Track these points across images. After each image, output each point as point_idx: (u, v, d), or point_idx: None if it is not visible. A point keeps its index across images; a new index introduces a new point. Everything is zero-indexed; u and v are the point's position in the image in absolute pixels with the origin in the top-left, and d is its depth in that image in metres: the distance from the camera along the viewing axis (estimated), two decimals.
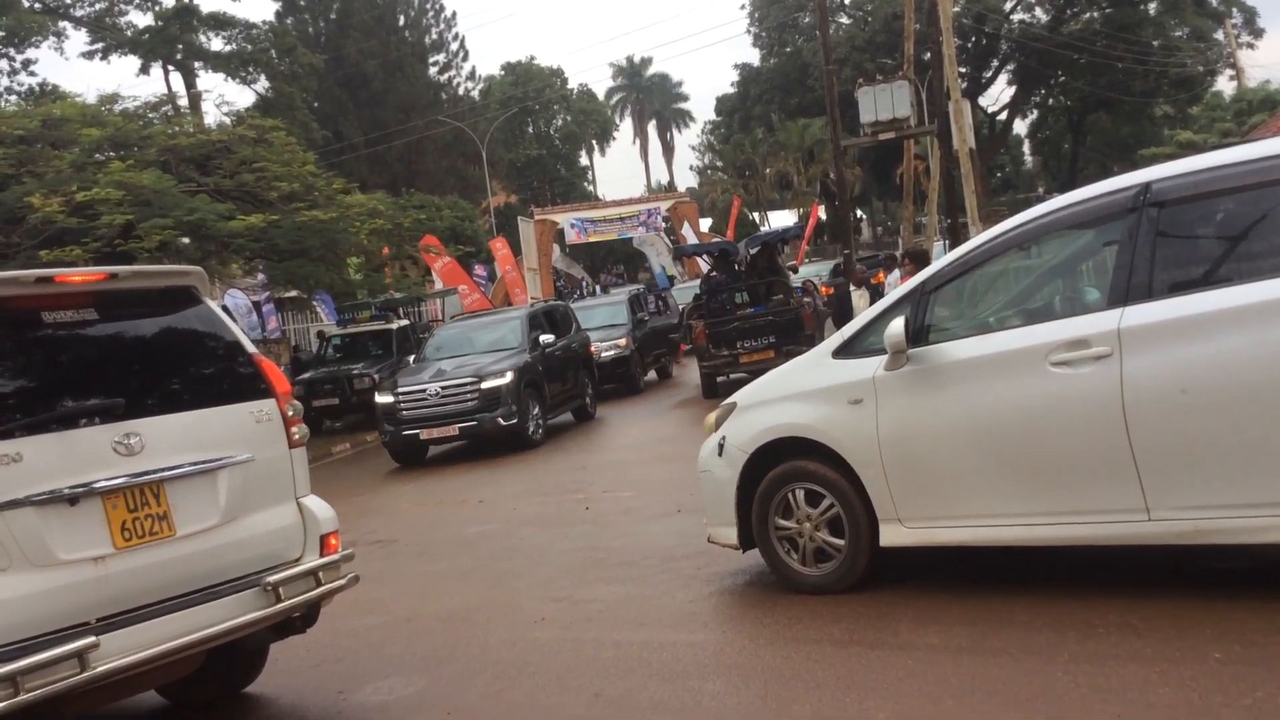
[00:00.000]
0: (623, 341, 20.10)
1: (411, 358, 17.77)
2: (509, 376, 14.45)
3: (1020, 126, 65.24)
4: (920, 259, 12.72)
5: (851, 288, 16.89)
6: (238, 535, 4.65)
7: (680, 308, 27.43)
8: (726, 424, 6.29)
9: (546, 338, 15.92)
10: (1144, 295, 4.80)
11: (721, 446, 6.20)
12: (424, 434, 14.62)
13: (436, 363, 15.69)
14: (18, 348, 4.37)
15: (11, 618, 3.90)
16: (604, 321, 20.87)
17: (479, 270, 34.38)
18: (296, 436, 5.04)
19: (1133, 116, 56.86)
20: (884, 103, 21.60)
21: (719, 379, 17.29)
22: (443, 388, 14.58)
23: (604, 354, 19.29)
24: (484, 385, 14.40)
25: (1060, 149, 66.02)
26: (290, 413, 5.02)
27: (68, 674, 3.87)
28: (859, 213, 60.79)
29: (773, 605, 5.81)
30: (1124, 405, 4.72)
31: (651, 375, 21.95)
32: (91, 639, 3.95)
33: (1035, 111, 62.70)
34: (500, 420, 14.30)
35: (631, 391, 19.86)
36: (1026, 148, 74.03)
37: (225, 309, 20.42)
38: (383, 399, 15.09)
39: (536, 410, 15.02)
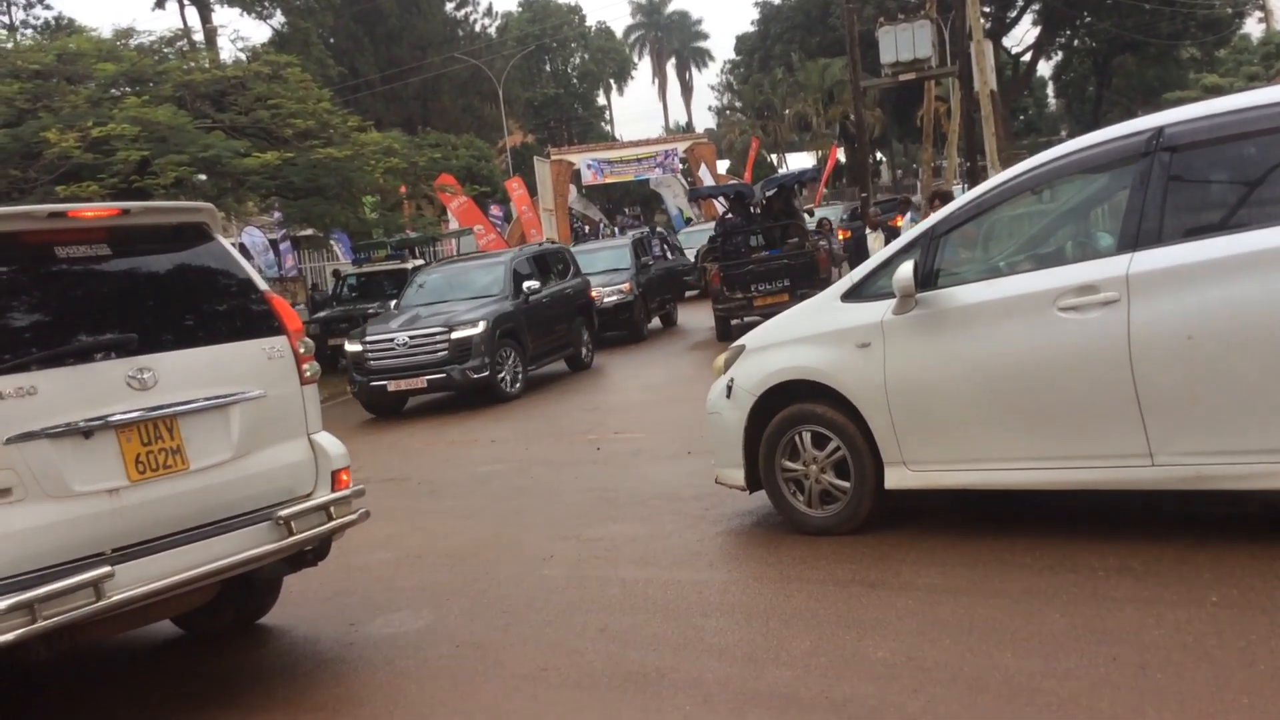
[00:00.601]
0: (625, 286, 19.39)
1: (392, 303, 16.95)
2: (480, 326, 13.73)
3: (1044, 68, 64.27)
4: (948, 200, 12.65)
5: (867, 231, 16.82)
6: (250, 470, 4.72)
7: (695, 250, 27.26)
8: (735, 366, 6.32)
9: (531, 284, 15.05)
10: (1154, 240, 4.79)
11: (730, 389, 6.24)
12: (391, 385, 13.89)
13: (414, 309, 14.95)
14: (32, 282, 4.42)
15: (28, 547, 3.98)
16: (607, 266, 20.21)
17: (495, 210, 34.31)
18: (308, 373, 5.09)
19: (1159, 59, 55.98)
20: (905, 43, 21.36)
21: (733, 322, 17.30)
22: (410, 337, 13.86)
23: (606, 299, 18.73)
24: (454, 335, 13.67)
25: (1085, 92, 65.10)
26: (301, 349, 5.07)
27: (83, 602, 3.96)
28: (878, 155, 60.28)
29: (778, 545, 5.88)
30: (1130, 351, 4.73)
31: (655, 323, 21.22)
32: (106, 569, 4.03)
33: (1060, 53, 61.71)
34: (470, 373, 13.57)
35: (635, 339, 19.32)
36: (1050, 90, 73.01)
37: (241, 247, 20.37)
38: (351, 347, 14.34)
39: (514, 361, 14.27)
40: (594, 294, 17.77)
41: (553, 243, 23.01)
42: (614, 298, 19.08)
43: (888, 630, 4.46)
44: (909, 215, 16.08)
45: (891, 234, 17.44)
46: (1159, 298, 4.71)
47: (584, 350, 16.56)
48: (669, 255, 22.66)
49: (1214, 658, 3.78)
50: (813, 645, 4.42)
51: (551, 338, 15.60)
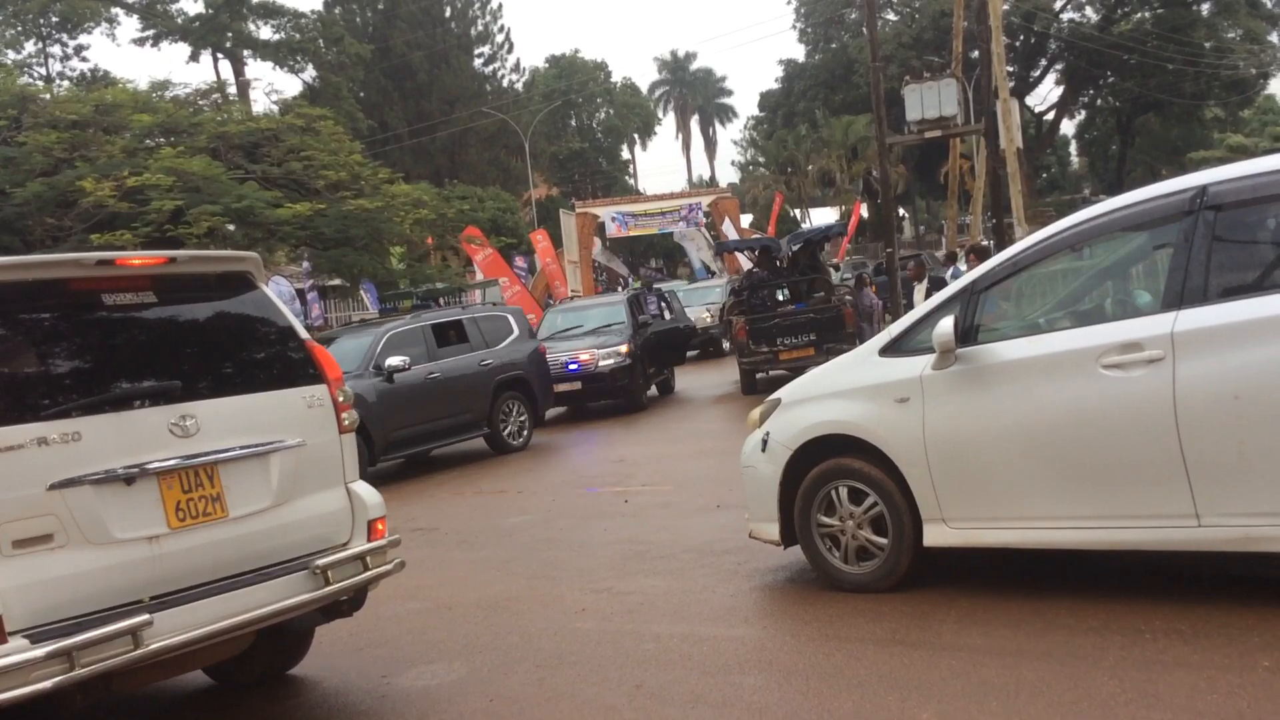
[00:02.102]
0: (624, 349, 16.97)
1: None
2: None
3: (1068, 127, 64.68)
4: (983, 254, 12.65)
5: (915, 284, 16.77)
6: (289, 518, 4.71)
7: (710, 307, 25.93)
8: (770, 420, 6.29)
9: (396, 361, 12.84)
10: (1198, 299, 4.76)
11: (765, 442, 6.20)
12: None
13: None
14: (77, 329, 4.45)
15: (68, 593, 3.97)
16: (599, 324, 18.19)
17: (520, 262, 34.51)
18: (346, 422, 5.10)
19: (1182, 119, 56.14)
20: (930, 100, 21.50)
21: (758, 375, 17.28)
22: None
23: (601, 363, 16.75)
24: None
25: (1108, 150, 65.30)
26: (341, 398, 5.08)
27: (121, 650, 3.94)
28: (901, 211, 60.39)
29: (814, 602, 5.81)
30: (1176, 409, 4.68)
31: (652, 390, 18.86)
32: (145, 617, 4.02)
33: (1083, 112, 62.05)
34: None
35: (633, 408, 17.11)
36: (1073, 148, 73.33)
37: None
38: None
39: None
40: (587, 357, 16.70)
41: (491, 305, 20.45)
42: (610, 361, 16.84)
43: (932, 692, 4.38)
44: (952, 269, 16.04)
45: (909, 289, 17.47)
46: (1205, 356, 4.66)
47: (512, 426, 14.50)
48: (666, 314, 20.23)
49: None
50: (855, 707, 4.34)
51: (435, 419, 13.54)
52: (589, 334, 17.77)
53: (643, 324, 18.12)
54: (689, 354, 22.37)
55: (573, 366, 16.77)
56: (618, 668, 5.19)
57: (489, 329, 14.99)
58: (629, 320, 17.82)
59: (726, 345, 25.34)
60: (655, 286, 24.26)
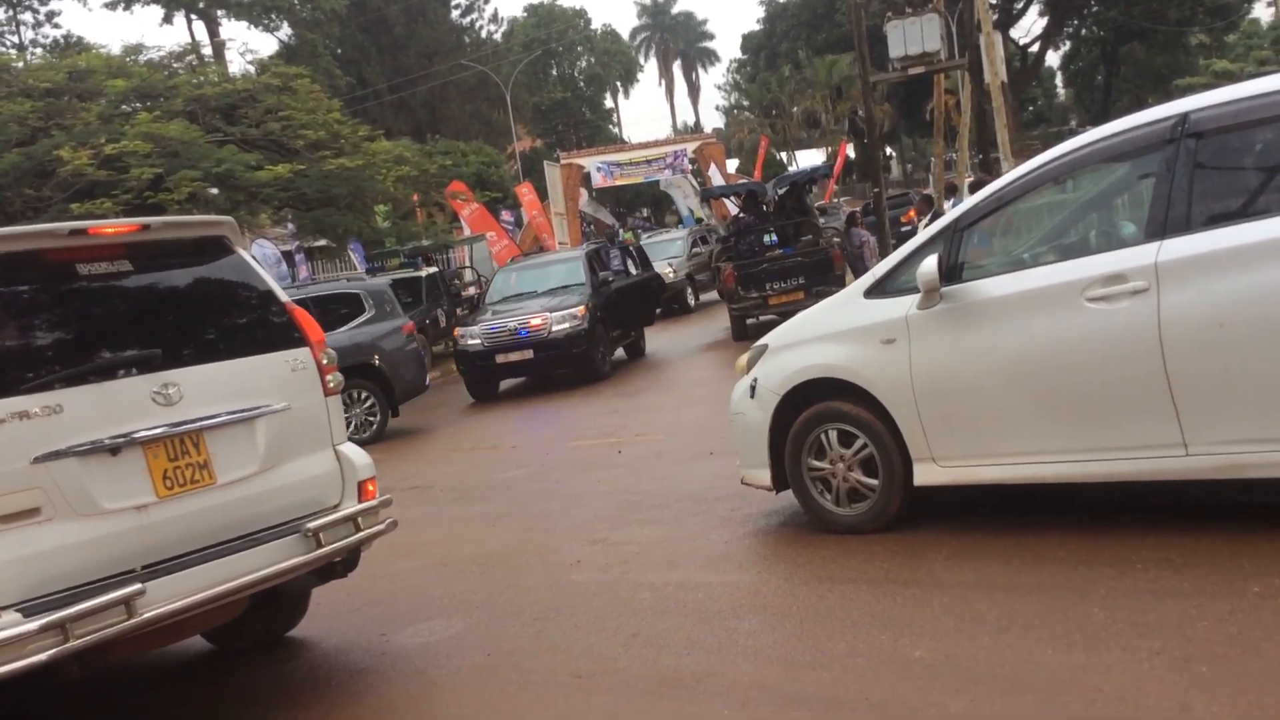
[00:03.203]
0: (579, 310, 15.33)
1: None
2: None
3: (1052, 58, 64.13)
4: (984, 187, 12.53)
5: (919, 220, 16.66)
6: (277, 482, 4.70)
7: (672, 261, 24.59)
8: (758, 366, 6.27)
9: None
10: (1182, 228, 4.73)
11: (753, 389, 6.19)
12: None
13: None
14: (54, 300, 4.41)
15: (58, 566, 3.97)
16: (556, 284, 16.48)
17: (506, 216, 34.32)
18: (331, 384, 5.07)
19: (1167, 46, 55.74)
20: (913, 36, 21.23)
21: (748, 321, 17.25)
22: None
23: (555, 328, 15.13)
24: None
25: (1094, 81, 64.88)
26: (324, 361, 5.06)
27: (115, 620, 3.94)
28: (888, 150, 60.10)
29: (806, 545, 5.84)
30: (1161, 340, 4.67)
31: (620, 353, 17.38)
32: (137, 586, 4.01)
33: (1068, 43, 61.56)
34: None
35: (592, 377, 15.36)
36: (1059, 80, 72.79)
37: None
38: None
39: None
40: (539, 322, 15.19)
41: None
42: (564, 325, 15.17)
43: (924, 629, 4.41)
44: (952, 201, 15.94)
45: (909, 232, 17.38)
46: (1189, 285, 4.65)
47: (356, 419, 12.93)
48: (633, 269, 18.59)
49: (1260, 649, 3.72)
50: (849, 646, 4.37)
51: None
52: (544, 295, 16.18)
53: (603, 282, 16.58)
54: (663, 311, 20.99)
55: (524, 333, 15.21)
56: (614, 617, 5.22)
57: (336, 309, 13.36)
58: (588, 278, 16.24)
59: (692, 301, 25.10)
60: (618, 239, 23.26)
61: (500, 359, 15.23)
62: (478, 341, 15.31)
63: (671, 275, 24.18)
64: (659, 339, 19.54)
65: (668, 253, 26.18)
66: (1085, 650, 3.94)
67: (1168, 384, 4.69)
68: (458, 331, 16.07)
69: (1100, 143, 5.25)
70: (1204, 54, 52.49)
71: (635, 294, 17.73)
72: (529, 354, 15.21)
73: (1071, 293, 4.93)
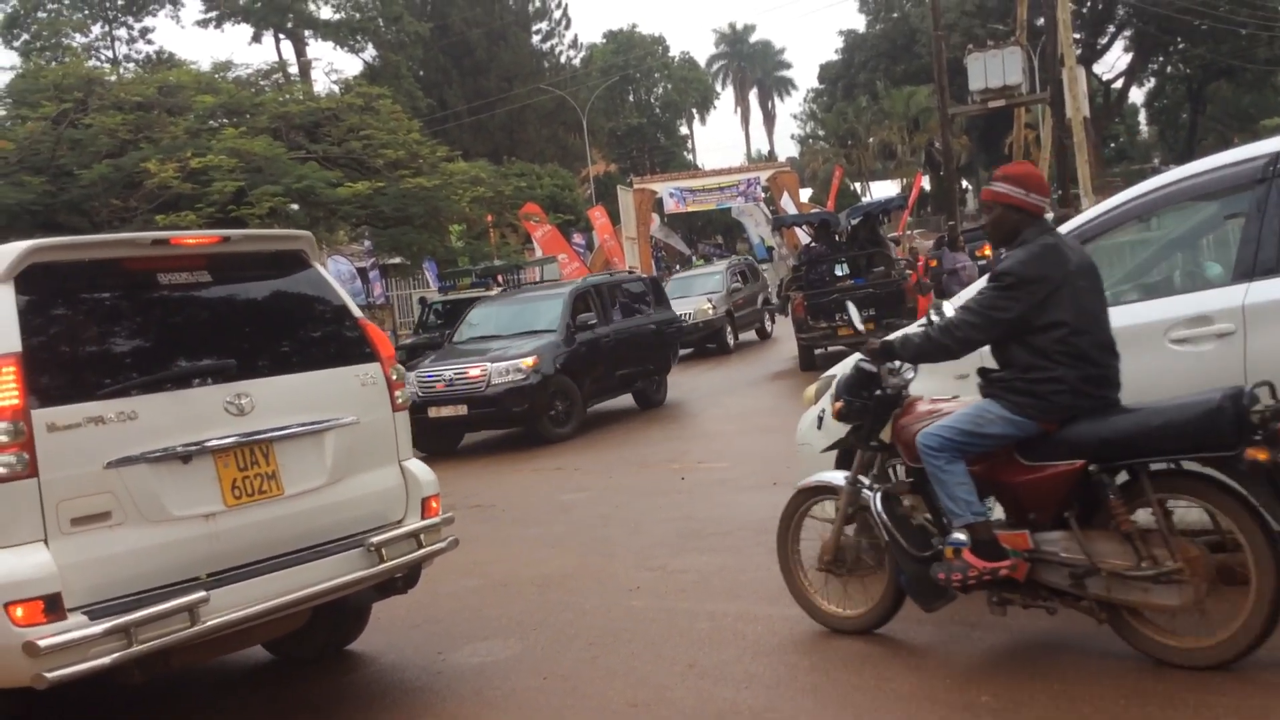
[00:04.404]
0: (527, 362, 12.94)
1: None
2: None
3: (1136, 95, 63.14)
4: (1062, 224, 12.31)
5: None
6: (343, 496, 4.74)
7: (711, 297, 22.72)
8: (826, 397, 6.19)
9: None
10: (1271, 270, 4.58)
11: (821, 420, 6.11)
12: None
13: None
14: (134, 308, 4.50)
15: (126, 571, 4.03)
16: (530, 325, 14.18)
17: (578, 239, 34.58)
18: (399, 400, 5.11)
19: (1255, 85, 54.56)
20: (994, 69, 21.09)
21: (816, 351, 17.12)
22: None
23: (495, 381, 12.80)
24: None
25: (1178, 119, 63.67)
26: (394, 376, 5.09)
27: (178, 627, 3.98)
28: (964, 183, 59.51)
29: None
30: (1246, 384, 4.51)
31: (622, 401, 15.19)
32: (202, 594, 4.06)
33: (1152, 79, 60.56)
34: None
35: (535, 440, 13.13)
36: (1142, 117, 71.62)
37: None
38: None
39: None
40: (478, 372, 12.96)
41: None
42: (504, 379, 12.83)
43: (991, 673, 4.30)
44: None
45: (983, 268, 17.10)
46: (1277, 329, 4.50)
47: None
48: (646, 309, 15.92)
49: None
50: (913, 688, 4.27)
51: None
52: (509, 338, 14.05)
53: (582, 326, 14.04)
54: (682, 352, 18.36)
55: (459, 384, 13.00)
56: (671, 646, 5.17)
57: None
58: (562, 323, 13.85)
59: (731, 341, 22.95)
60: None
61: (433, 413, 12.90)
62: (414, 390, 12.46)
63: (711, 312, 22.49)
64: (686, 382, 17.53)
65: (705, 287, 24.08)
66: (1160, 705, 3.80)
67: None
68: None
69: (1188, 180, 5.11)
70: None
71: (640, 340, 15.20)
72: (462, 409, 12.96)
73: (1154, 333, 4.79)
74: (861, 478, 4.95)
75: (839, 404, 5.00)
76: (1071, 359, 4.13)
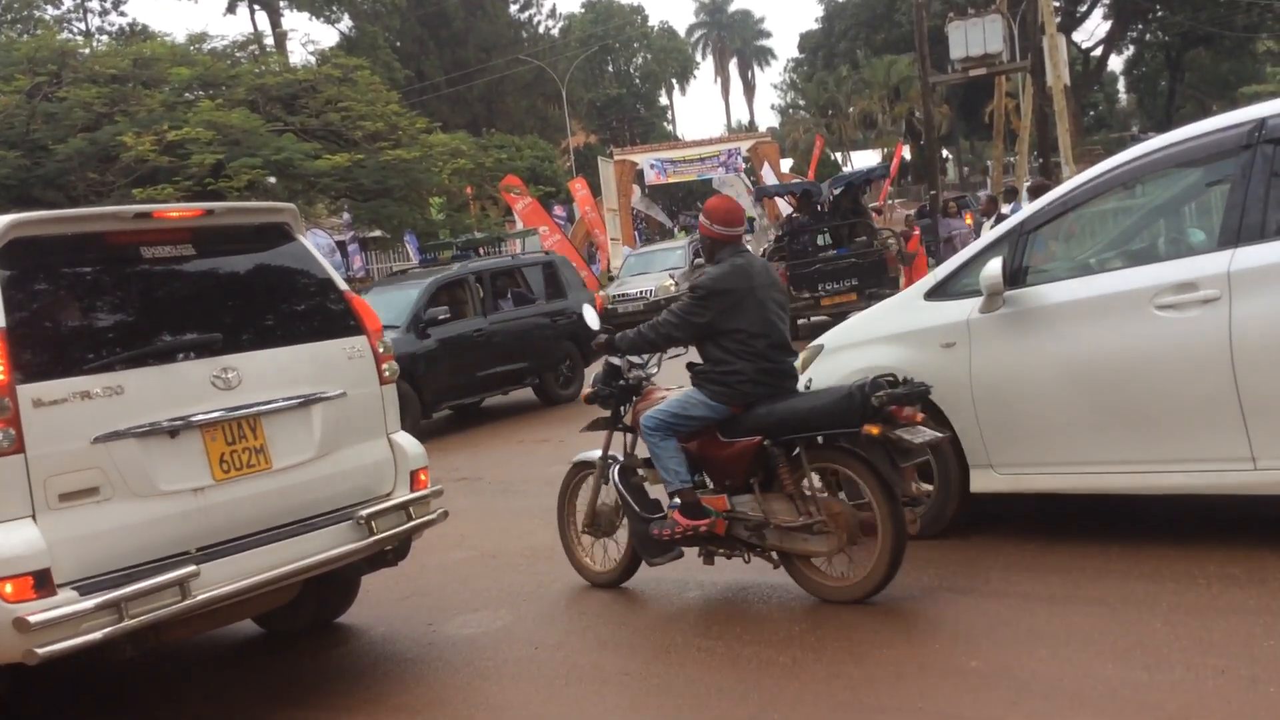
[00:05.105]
0: None
1: None
2: None
3: (1115, 63, 63.15)
4: (1045, 191, 12.31)
5: (985, 219, 16.39)
6: (332, 469, 4.72)
7: (673, 273, 22.23)
8: (813, 366, 6.20)
9: None
10: (1256, 236, 4.61)
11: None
12: None
13: None
14: (117, 282, 4.46)
15: (115, 546, 4.02)
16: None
17: (558, 211, 34.43)
18: (387, 373, 5.08)
19: (1234, 53, 54.68)
20: (975, 38, 20.97)
21: (800, 321, 17.14)
22: None
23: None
24: None
25: (1157, 86, 63.83)
26: (381, 349, 5.07)
27: (169, 601, 3.97)
28: (945, 152, 59.52)
29: None
30: (1232, 350, 4.55)
31: (528, 395, 14.03)
32: (192, 568, 4.05)
33: (1131, 47, 60.55)
34: None
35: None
36: (1121, 85, 71.74)
37: None
38: None
39: None
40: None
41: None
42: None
43: (980, 640, 4.33)
44: (1012, 205, 15.66)
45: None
46: (1262, 295, 4.52)
47: None
48: (530, 297, 14.21)
49: None
50: (901, 654, 4.30)
51: None
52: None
53: (432, 321, 12.39)
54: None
55: None
56: (664, 616, 5.19)
57: None
58: (411, 319, 12.20)
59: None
60: (480, 249, 16.84)
61: None
62: None
63: (673, 289, 21.99)
64: None
65: (666, 263, 24.03)
66: (1147, 667, 3.84)
67: (1237, 395, 4.57)
68: None
69: (1173, 147, 5.12)
70: (1271, 61, 51.48)
71: (525, 333, 13.47)
72: None
73: (1140, 300, 4.82)
74: (615, 454, 5.71)
75: (587, 391, 5.87)
76: (750, 355, 5.00)
